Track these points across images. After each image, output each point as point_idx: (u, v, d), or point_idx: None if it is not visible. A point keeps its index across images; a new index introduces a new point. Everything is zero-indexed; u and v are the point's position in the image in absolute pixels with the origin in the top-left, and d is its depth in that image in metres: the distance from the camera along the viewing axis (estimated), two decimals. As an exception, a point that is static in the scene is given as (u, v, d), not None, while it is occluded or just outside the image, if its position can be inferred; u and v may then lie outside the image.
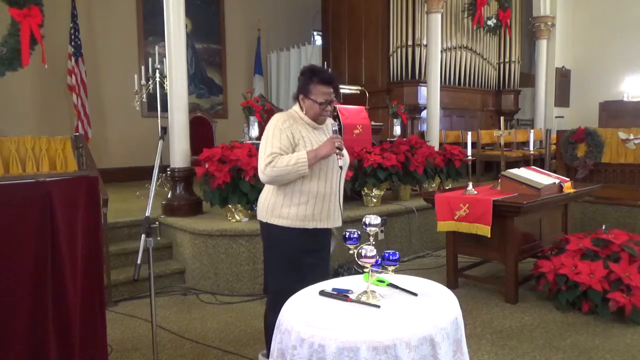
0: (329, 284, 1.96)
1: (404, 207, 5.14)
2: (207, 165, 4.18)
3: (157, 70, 6.30)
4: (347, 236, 1.90)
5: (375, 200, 5.09)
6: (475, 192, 3.90)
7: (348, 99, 7.36)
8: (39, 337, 2.05)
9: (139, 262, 2.28)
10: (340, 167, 2.35)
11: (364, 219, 1.87)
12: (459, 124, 8.99)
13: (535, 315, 3.49)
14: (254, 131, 4.92)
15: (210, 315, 3.63)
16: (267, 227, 2.47)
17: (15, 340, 2.00)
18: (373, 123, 5.71)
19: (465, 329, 1.76)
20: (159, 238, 4.52)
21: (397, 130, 6.59)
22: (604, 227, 3.84)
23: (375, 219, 1.85)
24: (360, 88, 7.28)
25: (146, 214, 2.44)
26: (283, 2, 10.16)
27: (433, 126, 7.26)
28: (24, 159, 4.19)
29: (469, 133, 4.08)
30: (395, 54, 8.15)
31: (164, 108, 5.24)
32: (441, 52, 7.68)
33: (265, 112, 5.09)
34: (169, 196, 4.80)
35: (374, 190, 5.02)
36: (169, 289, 4.19)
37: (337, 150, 2.29)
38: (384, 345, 1.47)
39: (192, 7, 8.24)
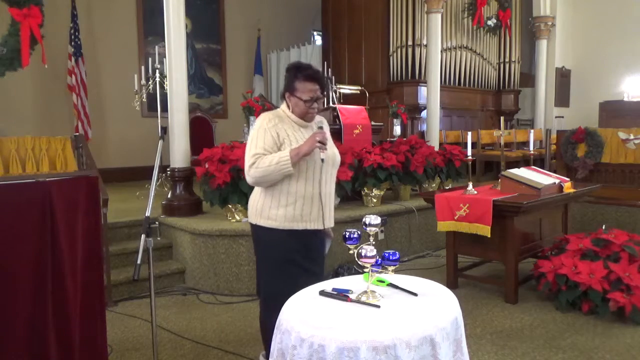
0: (328, 284, 1.96)
1: (404, 207, 5.14)
2: (207, 165, 4.18)
3: (157, 70, 6.30)
4: (347, 236, 1.90)
5: (375, 200, 5.09)
6: (475, 192, 3.90)
7: (348, 99, 7.37)
8: (39, 337, 2.05)
9: (139, 262, 2.28)
10: (322, 160, 2.29)
11: (364, 219, 1.87)
12: (459, 124, 8.99)
13: (535, 315, 3.49)
14: (254, 131, 4.90)
15: (210, 315, 3.63)
16: (256, 229, 2.44)
17: (15, 340, 2.00)
18: (373, 123, 5.71)
19: (465, 329, 1.76)
20: (159, 238, 4.52)
21: (397, 130, 6.59)
22: (604, 227, 3.84)
23: (375, 219, 1.85)
24: (360, 88, 7.28)
25: (146, 214, 2.43)
26: (283, 2, 10.16)
27: (433, 126, 7.26)
28: (24, 159, 4.19)
29: (469, 133, 4.07)
30: (395, 54, 8.15)
31: (164, 108, 5.24)
32: (441, 52, 7.67)
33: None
34: (169, 196, 4.80)
35: (374, 190, 5.02)
36: (169, 289, 4.19)
37: (319, 144, 2.23)
38: (384, 345, 1.47)
39: (192, 7, 8.25)
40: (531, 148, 4.57)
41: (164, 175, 6.15)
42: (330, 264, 4.51)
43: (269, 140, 2.31)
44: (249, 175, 2.32)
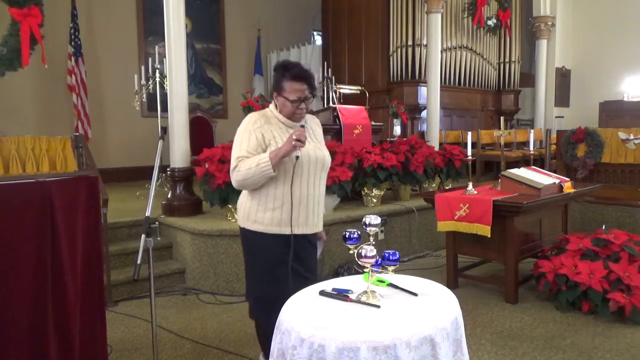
0: (328, 284, 1.96)
1: (404, 207, 5.14)
2: (207, 165, 4.18)
3: (157, 70, 6.30)
4: (347, 236, 1.89)
5: (375, 200, 5.09)
6: (475, 192, 3.90)
7: (348, 99, 7.36)
8: (39, 337, 2.05)
9: (139, 262, 2.28)
10: (297, 157, 2.19)
11: (364, 219, 1.87)
12: (459, 124, 8.99)
13: (535, 315, 3.49)
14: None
15: (210, 315, 3.63)
16: (244, 233, 2.39)
17: (15, 340, 2.00)
18: (373, 123, 5.71)
19: (465, 329, 1.76)
20: (159, 238, 4.52)
21: (397, 130, 6.59)
22: (604, 227, 3.84)
23: (375, 219, 1.85)
24: (360, 88, 7.28)
25: (146, 214, 2.43)
26: (283, 2, 10.16)
27: (433, 126, 7.26)
28: (24, 159, 4.18)
29: (469, 133, 4.07)
30: (395, 54, 8.15)
31: (164, 108, 5.24)
32: (441, 52, 7.68)
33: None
34: (169, 196, 4.80)
35: (374, 190, 5.02)
36: (169, 289, 4.19)
37: (296, 142, 2.13)
38: (384, 345, 1.47)
39: (192, 7, 8.25)
40: (531, 148, 4.57)
41: (164, 175, 6.15)
42: (330, 264, 4.51)
43: (253, 142, 2.26)
44: (233, 179, 2.28)
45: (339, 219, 4.56)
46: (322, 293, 1.86)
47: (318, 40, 10.24)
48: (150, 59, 6.51)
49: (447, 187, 5.43)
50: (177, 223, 4.43)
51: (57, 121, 7.31)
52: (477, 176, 7.87)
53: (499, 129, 4.46)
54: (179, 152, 4.69)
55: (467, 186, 3.94)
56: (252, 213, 2.33)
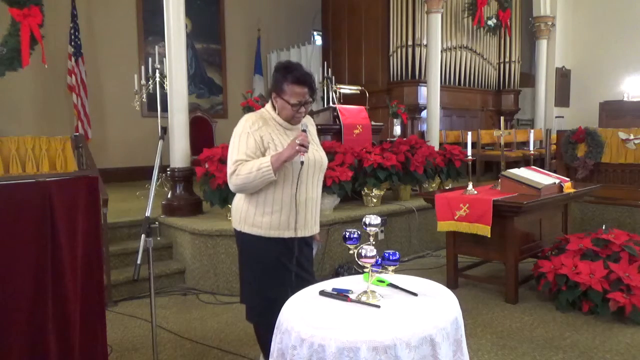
0: (328, 284, 1.96)
1: (404, 207, 5.14)
2: (207, 165, 4.18)
3: (157, 70, 6.30)
4: (347, 236, 1.89)
5: (375, 200, 5.09)
6: (475, 192, 3.90)
7: (348, 99, 7.37)
8: (39, 337, 2.05)
9: (139, 262, 2.28)
10: (302, 163, 2.15)
11: (364, 219, 1.87)
12: (459, 124, 8.99)
13: (535, 315, 3.49)
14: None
15: (210, 315, 3.63)
16: (241, 236, 2.36)
17: (15, 340, 2.00)
18: (373, 123, 5.71)
19: (465, 329, 1.76)
20: (159, 238, 4.52)
21: (397, 130, 6.60)
22: (604, 227, 3.84)
23: (375, 219, 1.85)
24: (360, 88, 7.28)
25: (146, 214, 2.43)
26: (283, 2, 10.16)
27: (433, 126, 7.26)
28: (24, 159, 4.18)
29: (469, 133, 4.07)
30: (395, 54, 8.15)
31: (164, 108, 5.24)
32: (441, 52, 7.68)
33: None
34: (169, 196, 4.80)
35: (374, 190, 5.02)
36: (169, 289, 4.19)
37: (300, 147, 2.10)
38: (384, 345, 1.47)
39: (192, 7, 8.25)
40: (531, 148, 4.57)
41: (164, 175, 6.15)
42: (331, 264, 4.51)
43: (252, 144, 2.21)
44: (231, 183, 2.22)
45: (339, 219, 4.56)
46: (322, 293, 1.86)
47: (318, 40, 10.24)
48: (150, 59, 6.51)
49: (447, 187, 5.43)
50: (177, 223, 4.43)
51: (57, 121, 7.31)
52: (477, 176, 7.87)
53: (499, 129, 4.46)
54: (179, 152, 4.69)
55: (467, 186, 3.94)
56: (250, 217, 2.30)
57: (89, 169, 4.31)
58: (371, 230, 1.85)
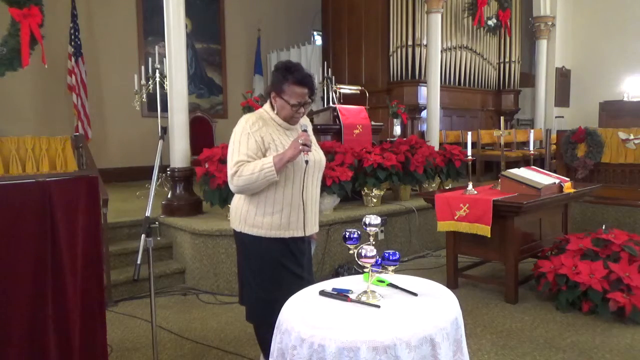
0: (329, 284, 1.96)
1: (404, 207, 5.14)
2: (207, 165, 4.18)
3: (157, 70, 6.30)
4: (347, 236, 1.89)
5: (375, 200, 5.09)
6: (475, 192, 3.90)
7: (348, 99, 7.37)
8: (39, 337, 2.05)
9: (139, 262, 2.28)
10: (307, 162, 2.17)
11: (364, 219, 1.87)
12: (459, 124, 9.00)
13: (535, 315, 3.49)
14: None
15: (210, 315, 3.63)
16: (241, 237, 2.35)
17: (15, 340, 2.00)
18: (373, 123, 5.71)
19: (465, 329, 1.76)
20: (159, 238, 4.52)
21: (397, 130, 6.60)
22: (604, 227, 3.84)
23: (375, 219, 1.85)
24: (360, 88, 7.28)
25: (146, 214, 2.43)
26: (283, 2, 10.16)
27: (433, 126, 7.27)
28: (24, 159, 4.19)
29: (469, 133, 4.08)
30: (395, 54, 8.15)
31: (164, 108, 5.24)
32: (441, 52, 7.68)
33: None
34: (169, 196, 4.80)
35: (374, 190, 5.02)
36: (169, 289, 4.19)
37: (303, 147, 2.12)
38: (384, 345, 1.47)
39: (192, 7, 8.24)
40: (531, 148, 4.57)
41: (164, 175, 6.15)
42: (331, 264, 4.51)
43: (253, 145, 2.21)
44: (233, 185, 2.22)
45: (339, 219, 4.56)
46: (322, 293, 1.86)
47: (318, 40, 10.24)
48: (150, 59, 6.51)
49: (447, 187, 5.43)
50: (177, 223, 4.43)
51: (57, 121, 7.31)
52: (477, 176, 7.87)
53: (499, 129, 4.46)
54: (179, 152, 4.69)
55: (467, 186, 3.94)
56: (250, 217, 2.30)
57: (89, 169, 4.31)
58: (371, 230, 1.85)
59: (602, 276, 3.34)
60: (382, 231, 4.83)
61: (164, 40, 4.75)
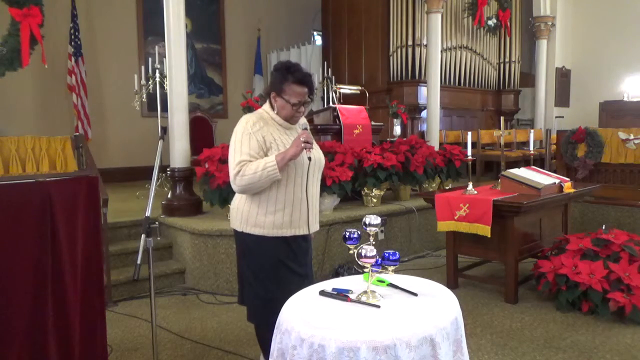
0: (329, 284, 1.96)
1: (404, 207, 5.14)
2: (207, 165, 4.18)
3: (157, 70, 6.30)
4: (347, 236, 1.90)
5: (375, 200, 5.09)
6: (475, 192, 3.90)
7: (348, 99, 7.37)
8: (39, 337, 2.05)
9: (139, 262, 2.28)
10: (310, 159, 2.20)
11: (364, 219, 1.87)
12: (459, 124, 8.99)
13: (535, 315, 3.49)
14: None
15: (210, 315, 3.63)
16: (242, 237, 2.36)
17: (15, 340, 2.00)
18: (373, 123, 5.71)
19: (465, 329, 1.76)
20: (159, 238, 4.52)
21: (397, 130, 6.60)
22: (604, 227, 3.84)
23: (375, 219, 1.85)
24: (360, 88, 7.28)
25: (146, 214, 2.43)
26: (283, 2, 10.16)
27: (433, 126, 7.27)
28: (24, 159, 4.18)
29: (469, 133, 4.07)
30: (395, 54, 8.15)
31: (164, 108, 5.24)
32: (441, 52, 7.68)
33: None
34: (169, 196, 4.80)
35: (374, 190, 5.02)
36: (169, 289, 4.19)
37: (305, 144, 2.15)
38: (384, 345, 1.47)
39: (192, 7, 8.25)
40: (531, 148, 4.57)
41: (164, 175, 6.15)
42: (330, 264, 4.51)
43: (254, 145, 2.22)
44: (235, 185, 2.23)
45: (339, 219, 4.56)
46: (322, 293, 1.86)
47: (318, 40, 10.24)
48: (150, 59, 6.51)
49: (447, 187, 5.43)
50: (177, 223, 4.43)
51: (57, 121, 7.31)
52: (477, 176, 7.87)
53: (499, 129, 4.46)
54: (179, 152, 4.69)
55: (467, 186, 3.94)
56: (252, 217, 2.30)
57: (89, 169, 4.30)
58: (371, 230, 1.85)
59: (602, 276, 3.34)
60: (382, 231, 4.83)
61: (164, 40, 4.75)
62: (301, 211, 2.32)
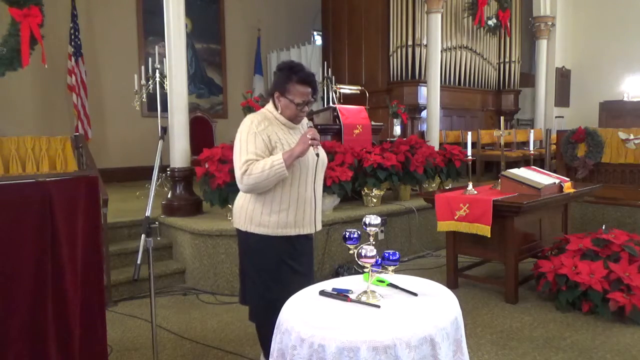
0: (329, 284, 1.96)
1: (404, 207, 5.14)
2: (207, 165, 4.18)
3: (157, 70, 6.30)
4: (347, 236, 1.90)
5: (375, 200, 5.09)
6: (475, 192, 3.90)
7: (348, 99, 7.37)
8: (39, 337, 2.05)
9: (139, 262, 2.28)
10: (318, 155, 2.24)
11: (364, 219, 1.87)
12: (459, 124, 9.00)
13: (535, 315, 3.49)
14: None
15: (210, 315, 3.63)
16: (245, 236, 2.36)
17: (15, 340, 2.00)
18: (373, 123, 5.71)
19: (465, 329, 1.76)
20: (159, 238, 4.52)
21: (397, 130, 6.60)
22: (604, 227, 3.84)
23: (375, 219, 1.85)
24: (360, 88, 7.28)
25: (146, 214, 2.43)
26: (283, 2, 10.17)
27: (433, 126, 7.27)
28: (24, 159, 4.19)
29: (469, 133, 4.07)
30: (395, 54, 8.15)
31: (164, 108, 5.24)
32: (441, 52, 7.68)
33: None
34: (169, 196, 4.80)
35: (374, 190, 5.02)
36: (169, 289, 4.19)
37: (313, 141, 2.17)
38: (384, 345, 1.47)
39: (192, 7, 8.25)
40: (531, 148, 4.57)
41: (164, 175, 6.15)
42: (330, 264, 4.51)
43: (260, 144, 2.22)
44: (242, 184, 2.22)
45: (339, 219, 4.56)
46: (322, 293, 1.86)
47: (318, 40, 10.24)
48: (150, 59, 6.51)
49: (447, 187, 5.42)
50: (177, 223, 4.43)
51: (57, 121, 7.31)
52: (477, 176, 7.87)
53: (499, 129, 4.46)
54: (179, 152, 4.69)
55: (467, 186, 3.94)
56: (256, 216, 2.31)
57: (89, 169, 4.30)
58: (371, 230, 1.85)
59: (602, 276, 3.34)
60: (382, 231, 4.83)
61: (164, 40, 4.74)
62: (305, 210, 2.33)
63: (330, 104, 6.30)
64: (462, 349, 1.68)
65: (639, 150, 5.37)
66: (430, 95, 7.25)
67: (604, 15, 9.48)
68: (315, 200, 2.38)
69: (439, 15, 7.23)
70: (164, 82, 5.95)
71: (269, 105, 2.38)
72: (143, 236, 2.36)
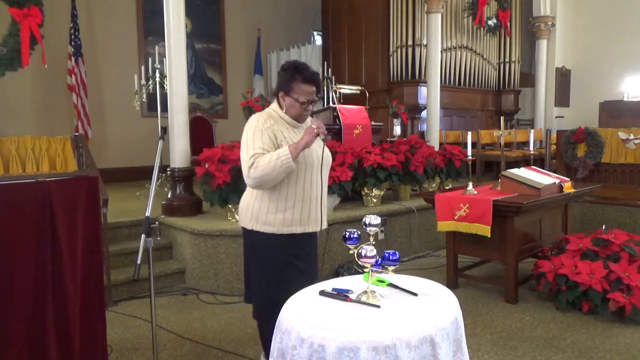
0: (329, 284, 1.96)
1: (404, 207, 5.14)
2: (207, 165, 4.17)
3: (157, 70, 6.30)
4: (347, 236, 1.90)
5: (375, 200, 5.09)
6: (475, 192, 3.90)
7: (348, 99, 7.36)
8: (39, 337, 2.05)
9: (139, 262, 2.28)
10: (323, 140, 2.24)
11: (364, 219, 1.87)
12: (459, 124, 8.99)
13: (535, 315, 3.49)
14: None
15: (210, 315, 3.63)
16: (251, 235, 2.37)
17: (15, 340, 2.00)
18: (373, 123, 5.71)
19: (465, 329, 1.76)
20: (159, 238, 4.52)
21: (397, 130, 6.59)
22: (604, 227, 3.84)
23: (375, 219, 1.85)
24: (360, 88, 7.27)
25: (146, 214, 2.43)
26: (283, 2, 10.16)
27: (433, 126, 7.26)
28: (24, 159, 4.19)
29: (469, 133, 4.07)
30: (395, 54, 8.15)
31: (164, 108, 5.24)
32: (441, 52, 7.68)
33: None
34: (169, 196, 4.80)
35: (374, 190, 5.02)
36: (169, 289, 4.19)
37: (319, 129, 2.18)
38: (384, 345, 1.47)
39: (192, 7, 8.25)
40: (531, 148, 4.57)
41: (164, 175, 6.15)
42: (331, 264, 4.51)
43: (267, 140, 2.24)
44: (250, 178, 2.22)
45: (339, 219, 4.56)
46: (322, 293, 1.86)
47: (318, 40, 10.24)
48: (150, 59, 6.51)
49: (447, 187, 5.43)
50: (177, 223, 4.43)
51: (57, 121, 7.31)
52: (477, 176, 7.87)
53: (499, 129, 4.46)
54: (179, 152, 4.69)
55: (467, 186, 3.94)
56: (262, 215, 2.32)
57: (89, 169, 4.31)
58: (371, 230, 1.85)
59: (602, 276, 3.34)
60: (382, 231, 4.82)
61: (164, 40, 4.75)
62: (311, 208, 2.35)
63: (330, 104, 6.29)
64: (462, 349, 1.68)
65: (639, 150, 5.37)
66: (430, 95, 7.25)
67: (604, 15, 9.48)
68: (322, 198, 2.39)
69: (439, 15, 7.23)
70: (164, 82, 5.95)
71: (274, 105, 2.40)
72: (143, 236, 2.36)
